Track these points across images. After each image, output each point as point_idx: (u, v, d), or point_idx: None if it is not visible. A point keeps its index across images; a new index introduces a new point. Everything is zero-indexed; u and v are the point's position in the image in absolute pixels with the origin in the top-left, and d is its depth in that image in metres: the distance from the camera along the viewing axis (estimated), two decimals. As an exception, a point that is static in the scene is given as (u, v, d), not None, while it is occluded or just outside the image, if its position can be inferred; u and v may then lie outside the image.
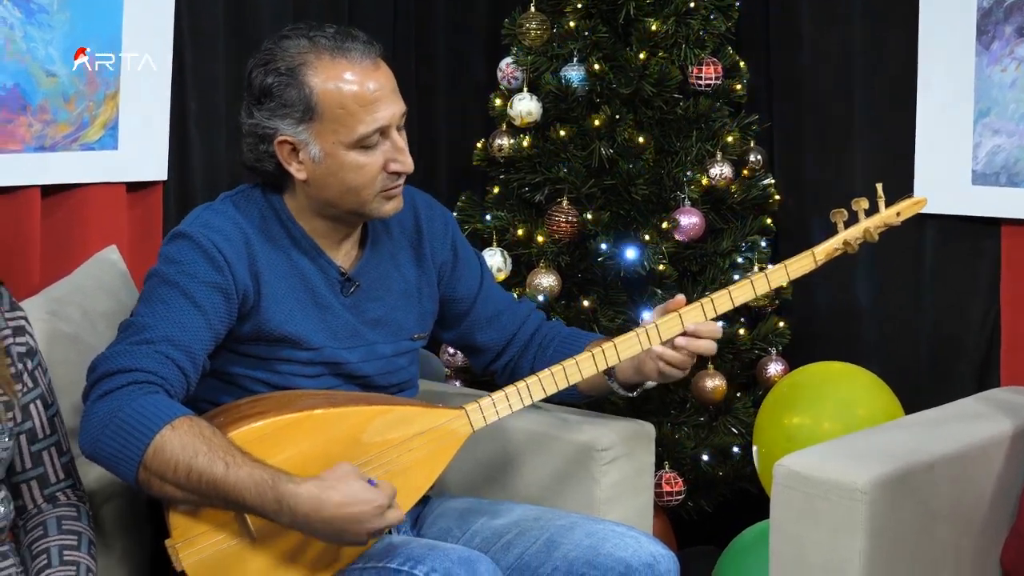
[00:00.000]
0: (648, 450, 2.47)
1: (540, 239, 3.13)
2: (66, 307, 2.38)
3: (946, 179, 2.95)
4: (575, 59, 3.14)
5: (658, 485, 2.99)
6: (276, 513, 1.95)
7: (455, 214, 3.18)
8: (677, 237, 3.09)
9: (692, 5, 3.11)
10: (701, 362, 3.04)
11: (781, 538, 2.26)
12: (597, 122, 3.10)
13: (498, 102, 3.23)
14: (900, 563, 2.23)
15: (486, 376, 2.63)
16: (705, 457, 3.14)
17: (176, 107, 2.81)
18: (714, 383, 3.09)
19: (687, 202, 3.11)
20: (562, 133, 3.13)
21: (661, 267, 3.06)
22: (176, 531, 2.00)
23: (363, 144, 2.10)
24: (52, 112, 2.62)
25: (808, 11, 3.23)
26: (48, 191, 2.66)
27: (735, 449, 3.15)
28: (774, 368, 3.15)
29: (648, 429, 2.49)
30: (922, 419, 2.55)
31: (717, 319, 2.26)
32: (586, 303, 3.11)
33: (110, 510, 2.25)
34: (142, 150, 2.75)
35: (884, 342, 3.15)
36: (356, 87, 2.09)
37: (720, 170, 3.14)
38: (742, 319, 3.18)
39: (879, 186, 2.32)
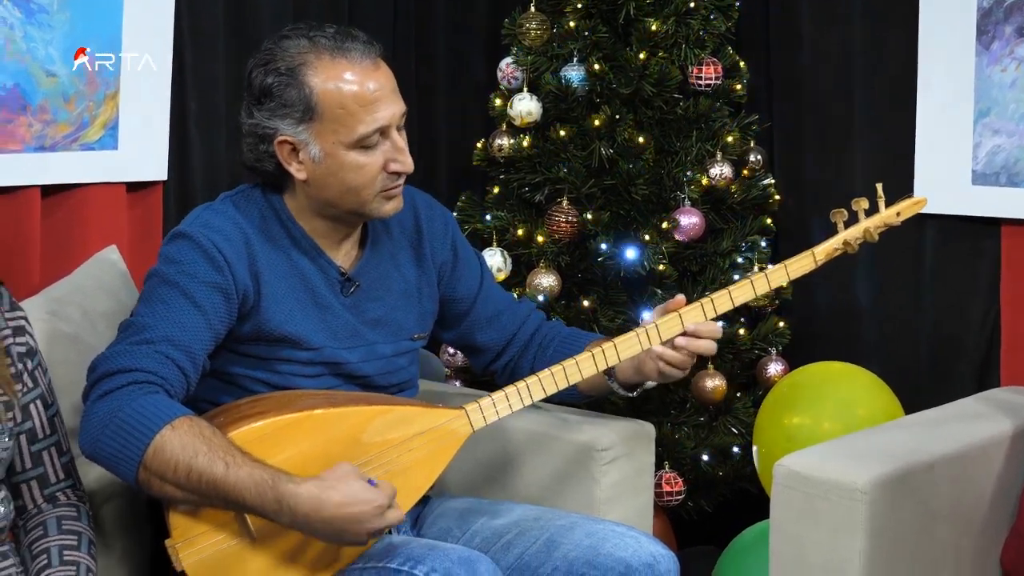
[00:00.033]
0: (648, 450, 2.47)
1: (540, 239, 3.13)
2: (66, 307, 2.38)
3: (946, 179, 2.95)
4: (575, 59, 3.13)
5: (658, 485, 2.99)
6: (276, 513, 1.95)
7: (455, 214, 3.18)
8: (677, 237, 3.08)
9: (692, 5, 3.11)
10: (701, 362, 3.04)
11: (781, 538, 2.26)
12: (597, 122, 3.09)
13: (498, 102, 3.23)
14: (900, 563, 2.23)
15: (486, 376, 2.63)
16: (705, 457, 3.13)
17: (176, 107, 2.81)
18: (714, 383, 3.09)
19: (687, 202, 3.11)
20: (562, 133, 3.13)
21: (661, 267, 3.06)
22: (176, 531, 2.00)
23: (363, 144, 2.10)
24: (52, 112, 2.62)
25: (808, 11, 3.23)
26: (48, 191, 2.66)
27: (735, 449, 3.15)
28: (774, 368, 3.15)
29: (648, 429, 2.49)
30: (922, 419, 2.55)
31: (717, 319, 2.26)
32: (586, 303, 3.11)
33: (110, 510, 2.24)
34: (142, 150, 2.75)
35: (884, 342, 3.15)
36: (356, 87, 2.09)
37: (720, 170, 3.14)
38: (742, 319, 3.18)
39: (879, 186, 2.32)
